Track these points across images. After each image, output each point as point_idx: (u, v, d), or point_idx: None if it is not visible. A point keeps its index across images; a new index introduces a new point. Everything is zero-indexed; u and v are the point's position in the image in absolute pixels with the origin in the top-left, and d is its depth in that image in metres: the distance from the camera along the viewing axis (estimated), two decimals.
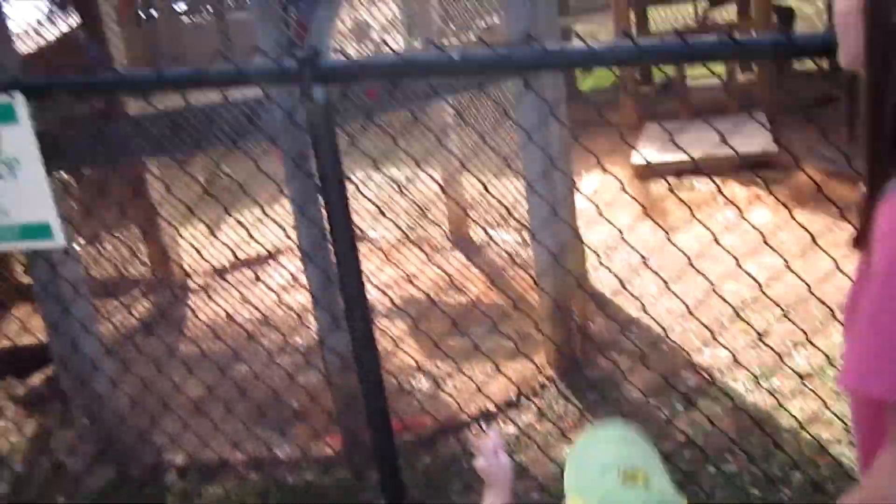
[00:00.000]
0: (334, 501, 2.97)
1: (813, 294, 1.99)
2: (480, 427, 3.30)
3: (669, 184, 5.60)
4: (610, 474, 1.11)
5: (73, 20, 5.00)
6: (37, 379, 4.01)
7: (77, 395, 3.27)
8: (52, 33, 5.03)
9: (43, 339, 3.88)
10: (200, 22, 6.28)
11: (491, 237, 4.98)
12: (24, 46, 4.42)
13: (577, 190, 3.66)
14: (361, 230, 5.60)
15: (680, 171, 5.76)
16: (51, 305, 3.17)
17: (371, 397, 2.19)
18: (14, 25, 4.21)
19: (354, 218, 2.05)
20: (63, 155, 2.76)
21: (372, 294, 4.47)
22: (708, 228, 2.28)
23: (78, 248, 4.12)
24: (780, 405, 2.91)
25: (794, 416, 2.69)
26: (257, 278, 2.63)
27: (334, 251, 1.99)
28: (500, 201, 3.65)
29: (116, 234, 4.70)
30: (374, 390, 2.18)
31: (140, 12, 5.31)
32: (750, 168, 5.59)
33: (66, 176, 3.49)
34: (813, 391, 2.87)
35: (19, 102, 1.99)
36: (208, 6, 6.20)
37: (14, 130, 1.94)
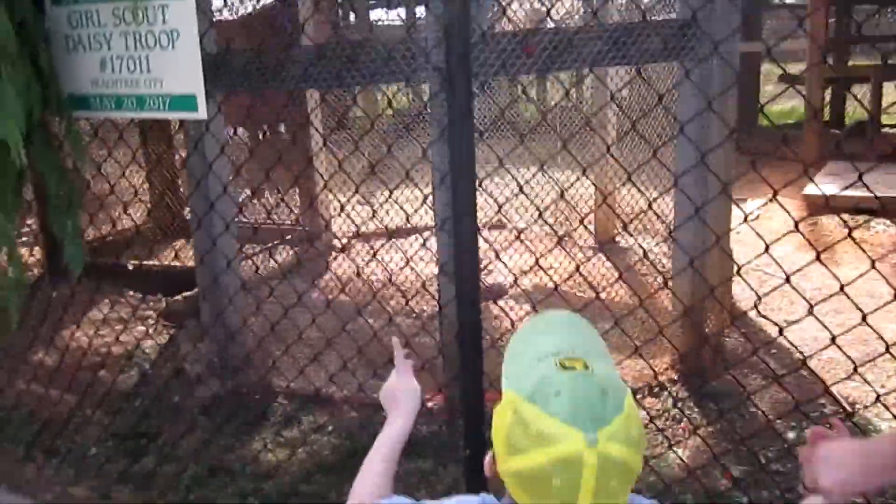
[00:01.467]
0: (420, 446, 2.94)
1: None
2: None
3: (842, 219, 5.18)
4: (547, 360, 0.99)
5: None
6: (181, 298, 4.27)
7: (210, 323, 3.45)
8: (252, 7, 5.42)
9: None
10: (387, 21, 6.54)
11: (635, 242, 4.79)
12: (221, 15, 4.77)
13: (732, 201, 3.39)
14: (510, 220, 5.59)
15: (856, 208, 5.29)
16: (201, 237, 3.37)
17: (467, 362, 2.15)
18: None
19: (506, 209, 1.96)
20: (229, 75, 2.92)
21: (507, 279, 4.42)
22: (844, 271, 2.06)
23: (238, 191, 4.38)
24: None
25: None
26: (387, 241, 2.64)
27: (453, 214, 1.95)
28: (640, 208, 3.49)
29: (274, 185, 4.95)
30: (473, 354, 2.15)
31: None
32: None
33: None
34: None
35: None
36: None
37: (179, 4, 2.07)
